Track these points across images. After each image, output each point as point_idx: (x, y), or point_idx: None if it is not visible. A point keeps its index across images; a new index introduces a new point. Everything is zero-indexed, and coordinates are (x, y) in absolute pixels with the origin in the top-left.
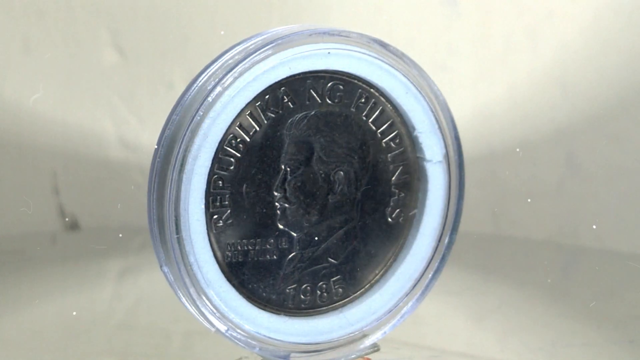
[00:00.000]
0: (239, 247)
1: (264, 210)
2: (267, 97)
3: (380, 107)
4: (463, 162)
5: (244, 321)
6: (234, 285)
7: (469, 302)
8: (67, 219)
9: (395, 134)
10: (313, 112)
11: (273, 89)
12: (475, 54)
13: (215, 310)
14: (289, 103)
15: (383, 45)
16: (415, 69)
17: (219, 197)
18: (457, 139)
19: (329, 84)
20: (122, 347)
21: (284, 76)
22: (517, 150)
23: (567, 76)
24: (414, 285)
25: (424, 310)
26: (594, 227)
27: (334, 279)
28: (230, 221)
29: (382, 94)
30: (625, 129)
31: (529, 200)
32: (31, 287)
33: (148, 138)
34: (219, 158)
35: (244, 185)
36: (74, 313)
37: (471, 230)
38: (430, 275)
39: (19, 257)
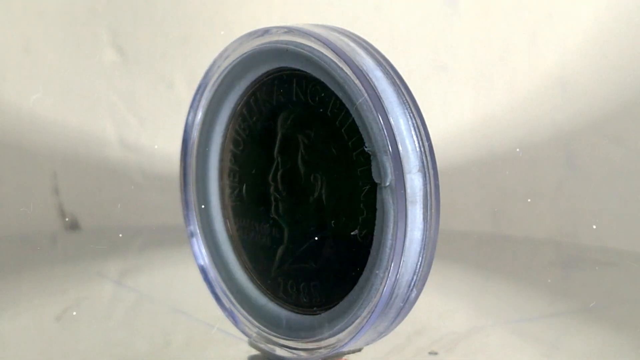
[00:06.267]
0: (245, 224)
1: (263, 196)
2: (262, 87)
3: (351, 117)
4: (425, 198)
5: (244, 299)
6: (239, 257)
7: (469, 301)
8: (67, 219)
9: (362, 148)
10: (298, 110)
11: (265, 81)
12: (475, 54)
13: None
14: (280, 96)
15: (331, 47)
16: (366, 80)
17: (232, 173)
18: (421, 168)
19: (310, 84)
20: (122, 348)
21: (256, 67)
22: (518, 150)
23: (567, 76)
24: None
25: (424, 309)
26: (594, 227)
27: (313, 283)
28: (239, 197)
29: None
30: (625, 129)
31: (529, 200)
32: (31, 287)
33: (148, 138)
34: (232, 136)
35: (250, 168)
36: (74, 313)
37: (471, 230)
38: (370, 312)
39: (19, 257)
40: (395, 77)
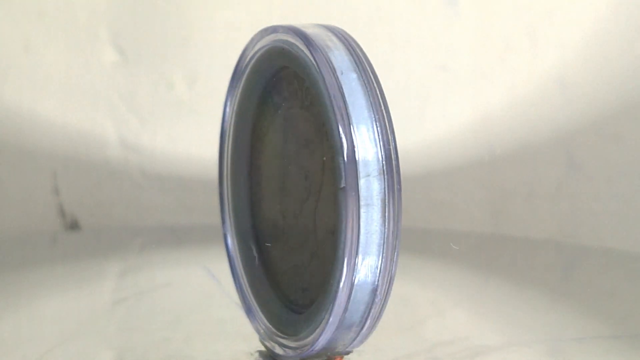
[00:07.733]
0: (265, 221)
1: (276, 193)
2: (276, 85)
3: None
4: (385, 202)
5: (258, 294)
6: (259, 252)
7: (469, 301)
8: (67, 219)
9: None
10: (296, 109)
11: (277, 79)
12: (475, 54)
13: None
14: (287, 95)
15: (308, 43)
16: (333, 80)
17: (256, 169)
18: (382, 171)
19: (305, 84)
20: (122, 347)
21: (268, 65)
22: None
23: (567, 76)
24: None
25: (425, 309)
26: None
27: (305, 282)
28: (261, 192)
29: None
30: (625, 129)
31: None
32: (31, 287)
33: (148, 138)
34: (255, 132)
35: (269, 165)
36: (73, 312)
37: (471, 230)
38: (329, 314)
39: (19, 257)
40: (373, 80)
